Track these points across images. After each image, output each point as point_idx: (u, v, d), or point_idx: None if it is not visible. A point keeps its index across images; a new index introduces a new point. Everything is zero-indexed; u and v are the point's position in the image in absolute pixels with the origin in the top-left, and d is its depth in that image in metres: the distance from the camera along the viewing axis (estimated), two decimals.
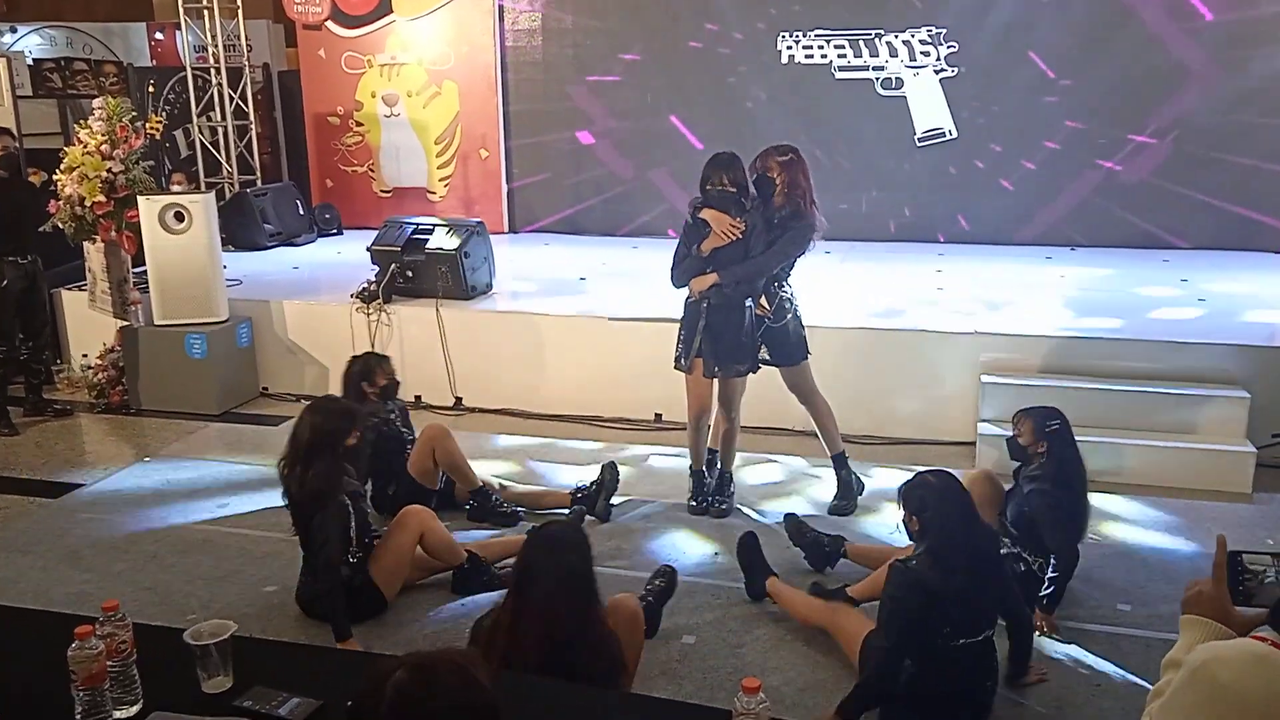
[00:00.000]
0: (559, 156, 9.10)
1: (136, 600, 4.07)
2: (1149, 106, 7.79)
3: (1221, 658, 1.49)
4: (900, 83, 8.23)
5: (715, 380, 4.76)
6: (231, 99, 9.26)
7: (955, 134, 8.19)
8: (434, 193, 9.37)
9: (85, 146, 6.38)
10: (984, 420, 5.47)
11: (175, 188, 7.03)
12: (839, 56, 8.29)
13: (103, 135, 6.38)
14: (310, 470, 3.79)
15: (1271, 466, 5.23)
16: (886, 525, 4.66)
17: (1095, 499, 4.95)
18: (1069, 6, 7.83)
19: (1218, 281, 6.86)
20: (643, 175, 8.81)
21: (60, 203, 6.37)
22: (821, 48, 8.31)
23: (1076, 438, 4.00)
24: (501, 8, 8.88)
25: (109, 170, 6.32)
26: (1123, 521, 4.81)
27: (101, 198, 6.30)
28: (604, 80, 8.86)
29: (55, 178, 6.42)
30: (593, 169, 9.09)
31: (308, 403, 4.32)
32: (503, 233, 9.04)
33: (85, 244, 6.73)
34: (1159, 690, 1.64)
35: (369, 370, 4.75)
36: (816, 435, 5.02)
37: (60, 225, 6.41)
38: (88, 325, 7.03)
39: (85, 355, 6.99)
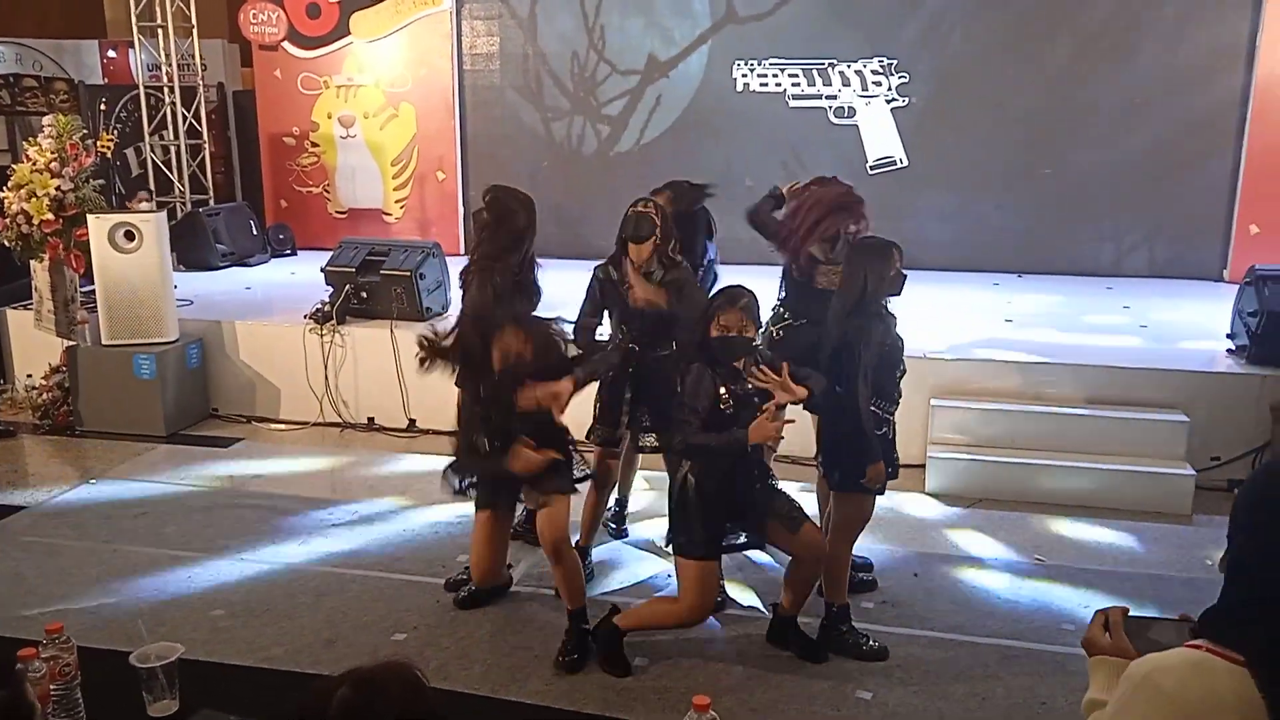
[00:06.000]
0: (515, 179, 9.03)
1: (80, 624, 3.98)
2: (1095, 135, 8.01)
3: (1163, 667, 1.56)
4: (853, 111, 8.38)
5: None
6: (185, 118, 9.19)
7: (906, 162, 8.35)
8: (390, 214, 9.35)
9: (34, 164, 6.29)
10: (934, 443, 5.56)
11: (142, 205, 6.93)
12: (793, 85, 8.44)
13: (52, 153, 6.30)
14: None
15: (1210, 489, 5.38)
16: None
17: (1039, 520, 5.10)
18: (1017, 38, 8.04)
19: (1158, 308, 7.05)
20: (598, 199, 8.85)
21: (6, 220, 6.28)
22: (776, 76, 8.45)
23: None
24: (460, 32, 8.92)
25: (58, 188, 6.24)
26: (1066, 543, 4.90)
27: (50, 216, 6.21)
28: (560, 105, 8.92)
29: (2, 195, 6.33)
30: (549, 192, 9.09)
31: None
32: (459, 255, 8.99)
33: (32, 262, 6.63)
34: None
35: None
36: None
37: (6, 243, 6.32)
38: (33, 345, 6.89)
39: (30, 375, 6.86)
